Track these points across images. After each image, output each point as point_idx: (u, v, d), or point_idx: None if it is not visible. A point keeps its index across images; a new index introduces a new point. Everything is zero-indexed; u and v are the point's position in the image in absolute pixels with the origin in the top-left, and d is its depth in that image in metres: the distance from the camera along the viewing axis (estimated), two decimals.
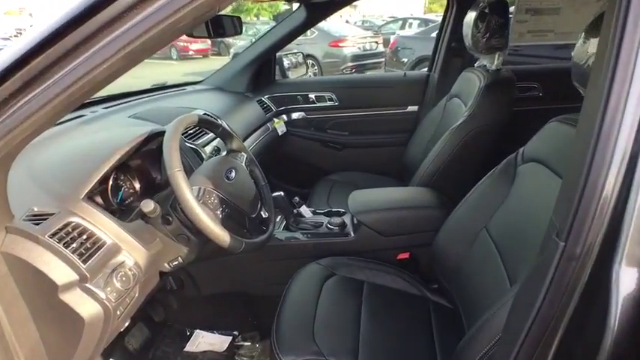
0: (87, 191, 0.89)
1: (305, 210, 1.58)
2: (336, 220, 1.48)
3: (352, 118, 2.30)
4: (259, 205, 1.16)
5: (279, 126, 2.22)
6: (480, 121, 1.44)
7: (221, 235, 0.93)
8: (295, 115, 2.33)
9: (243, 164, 1.17)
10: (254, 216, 1.12)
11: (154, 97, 1.77)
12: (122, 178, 1.12)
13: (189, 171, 1.12)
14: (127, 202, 1.12)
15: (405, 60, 7.22)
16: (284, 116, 2.30)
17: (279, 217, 1.56)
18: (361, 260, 1.35)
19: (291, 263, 1.41)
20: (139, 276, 0.90)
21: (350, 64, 7.86)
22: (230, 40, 10.98)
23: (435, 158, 1.51)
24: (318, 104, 2.29)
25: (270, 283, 1.51)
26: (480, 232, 1.07)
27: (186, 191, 0.89)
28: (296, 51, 2.57)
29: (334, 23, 11.25)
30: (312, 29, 8.17)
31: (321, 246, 1.43)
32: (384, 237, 1.40)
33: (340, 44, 7.94)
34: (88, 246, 0.82)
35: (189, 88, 2.07)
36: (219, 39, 13.86)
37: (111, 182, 1.06)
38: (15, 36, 21.18)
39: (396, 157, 2.18)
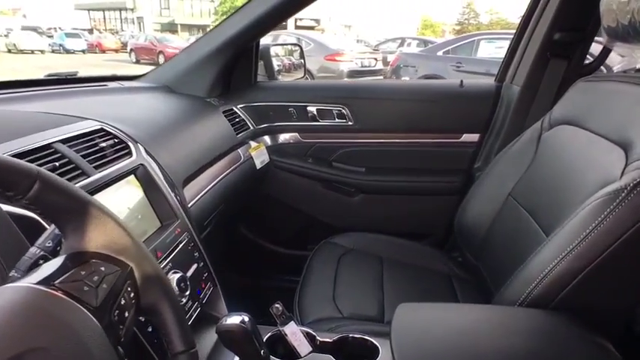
0: None
1: (294, 334, 0.76)
2: None
3: (373, 147, 1.50)
4: None
5: (259, 153, 1.41)
6: None
7: None
8: (284, 137, 1.53)
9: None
10: None
11: (32, 93, 0.96)
12: None
13: None
14: None
15: (407, 79, 6.78)
16: (266, 138, 1.51)
17: None
18: None
19: None
20: None
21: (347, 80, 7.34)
22: None
23: (567, 252, 0.70)
24: (322, 122, 1.49)
25: None
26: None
27: None
28: (294, 42, 1.77)
29: (331, 37, 10.97)
30: (307, 41, 7.56)
31: None
32: None
33: (337, 58, 7.53)
34: None
35: (112, 84, 1.25)
36: None
37: None
38: (5, 35, 20.77)
39: (440, 212, 1.39)
